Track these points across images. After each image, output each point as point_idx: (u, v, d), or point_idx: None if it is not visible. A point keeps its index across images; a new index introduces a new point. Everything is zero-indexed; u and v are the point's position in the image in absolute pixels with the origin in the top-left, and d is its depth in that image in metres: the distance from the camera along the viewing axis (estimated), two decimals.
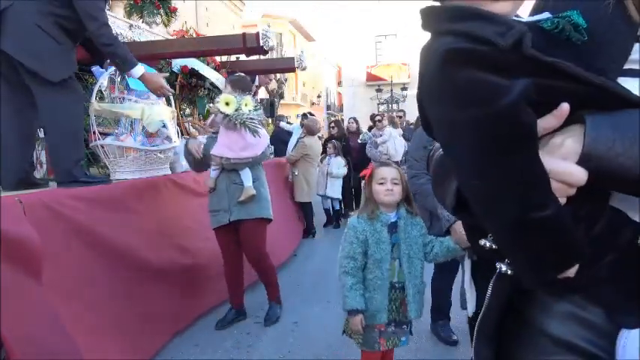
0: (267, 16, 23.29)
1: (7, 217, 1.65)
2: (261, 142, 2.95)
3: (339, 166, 6.18)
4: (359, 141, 6.93)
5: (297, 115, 10.53)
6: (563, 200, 0.59)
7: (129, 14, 4.76)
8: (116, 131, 3.01)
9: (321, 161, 6.25)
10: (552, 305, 0.72)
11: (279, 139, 6.87)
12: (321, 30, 29.09)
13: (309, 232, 5.95)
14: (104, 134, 3.05)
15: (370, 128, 7.49)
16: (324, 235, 6.16)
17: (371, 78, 24.27)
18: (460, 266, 2.10)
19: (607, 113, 0.58)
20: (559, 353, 0.70)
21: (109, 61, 2.91)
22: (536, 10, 0.70)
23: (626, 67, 0.63)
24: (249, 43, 3.73)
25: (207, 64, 4.84)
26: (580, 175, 0.57)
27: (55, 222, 2.10)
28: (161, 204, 3.07)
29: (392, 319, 1.89)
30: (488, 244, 0.71)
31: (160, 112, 3.13)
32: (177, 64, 4.53)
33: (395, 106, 20.74)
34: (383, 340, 1.91)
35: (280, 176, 5.73)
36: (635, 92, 0.60)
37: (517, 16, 0.64)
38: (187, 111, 5.20)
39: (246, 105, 2.77)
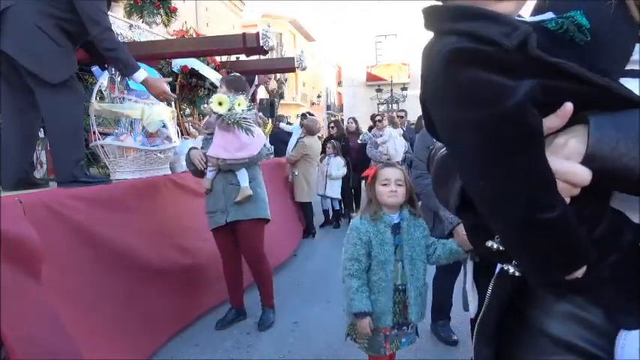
0: (267, 16, 23.30)
1: (7, 217, 1.65)
2: (256, 142, 2.92)
3: (338, 166, 6.17)
4: (359, 141, 6.93)
5: (297, 115, 10.52)
6: (566, 200, 0.59)
7: (129, 14, 4.75)
8: (116, 131, 3.00)
9: (321, 161, 6.25)
10: (552, 305, 0.72)
11: (279, 139, 6.87)
12: (321, 30, 29.14)
13: (309, 232, 5.95)
14: (104, 134, 3.04)
15: (370, 128, 7.48)
16: (324, 235, 6.16)
17: (371, 78, 24.26)
18: (462, 268, 2.10)
19: (610, 114, 0.58)
20: (559, 353, 0.71)
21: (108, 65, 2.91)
22: (538, 10, 0.70)
23: (628, 67, 0.63)
24: (249, 43, 3.72)
25: (207, 64, 4.84)
26: (584, 174, 0.57)
27: (55, 222, 2.10)
28: (161, 204, 3.06)
29: (395, 322, 1.87)
30: (495, 246, 0.70)
31: (160, 112, 3.12)
32: (177, 64, 4.53)
33: (395, 106, 20.74)
34: (388, 344, 1.89)
35: (280, 176, 5.73)
36: (637, 93, 0.60)
37: (519, 16, 0.64)
38: (187, 111, 5.20)
39: (239, 105, 2.75)
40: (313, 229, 6.05)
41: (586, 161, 0.57)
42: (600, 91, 0.58)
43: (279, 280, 3.90)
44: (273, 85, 7.90)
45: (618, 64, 0.63)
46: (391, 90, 22.37)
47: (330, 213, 6.66)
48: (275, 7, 28.84)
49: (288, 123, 8.71)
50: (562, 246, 0.59)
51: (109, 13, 2.79)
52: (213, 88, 4.71)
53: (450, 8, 0.61)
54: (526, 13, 0.68)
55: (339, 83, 32.47)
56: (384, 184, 1.87)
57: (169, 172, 3.42)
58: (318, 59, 29.88)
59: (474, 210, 0.65)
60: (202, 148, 3.05)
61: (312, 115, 7.52)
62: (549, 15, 0.64)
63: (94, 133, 2.92)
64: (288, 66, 5.52)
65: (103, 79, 3.01)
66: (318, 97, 30.72)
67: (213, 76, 4.69)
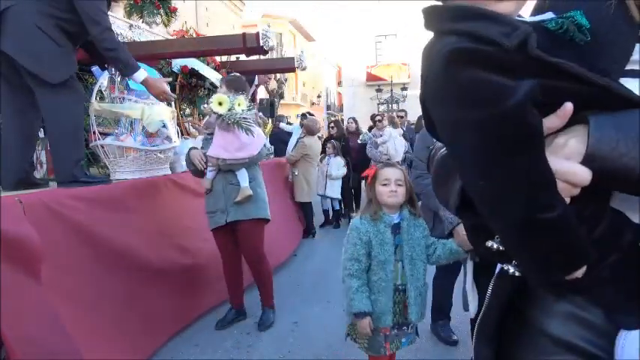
0: (267, 16, 23.30)
1: (7, 217, 1.65)
2: (256, 142, 2.92)
3: (338, 166, 6.17)
4: (358, 141, 6.92)
5: (297, 115, 10.52)
6: (566, 200, 0.59)
7: (129, 14, 4.75)
8: (116, 131, 3.00)
9: (321, 161, 6.25)
10: (552, 305, 0.72)
11: (279, 139, 6.87)
12: (321, 30, 29.14)
13: (309, 232, 5.95)
14: (104, 134, 3.04)
15: (370, 128, 7.48)
16: (324, 235, 6.16)
17: (371, 78, 24.26)
18: (462, 268, 2.10)
19: (610, 114, 0.58)
20: (559, 353, 0.71)
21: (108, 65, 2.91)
22: (538, 10, 0.70)
23: (628, 67, 0.63)
24: (249, 43, 3.72)
25: (207, 64, 4.84)
26: (584, 174, 0.57)
27: (55, 222, 2.10)
28: (161, 204, 3.06)
29: (395, 322, 1.87)
30: (495, 246, 0.70)
31: (160, 112, 3.12)
32: (177, 64, 4.53)
33: (395, 106, 20.74)
34: (388, 344, 1.89)
35: (280, 176, 5.73)
36: (637, 93, 0.60)
37: (519, 16, 0.64)
38: (187, 111, 5.20)
39: (239, 105, 2.75)
40: (313, 229, 6.05)
41: (586, 161, 0.57)
42: (600, 91, 0.58)
43: (279, 280, 3.90)
44: (273, 85, 7.90)
45: (618, 64, 0.63)
46: (391, 90, 22.37)
47: (330, 213, 6.66)
48: (275, 7, 28.86)
49: (288, 123, 8.71)
50: (562, 246, 0.59)
51: (109, 13, 2.79)
52: (213, 88, 4.71)
53: (450, 8, 0.61)
54: (526, 13, 0.68)
55: (339, 83, 32.47)
56: (384, 184, 1.87)
57: (169, 172, 3.42)
58: (318, 59, 29.89)
59: (474, 210, 0.65)
60: (202, 148, 3.05)
61: (312, 115, 7.52)
62: (549, 15, 0.64)
63: (94, 133, 2.92)
64: (288, 66, 5.52)
65: (103, 79, 3.01)
66: (318, 97, 30.72)
67: (213, 76, 4.69)
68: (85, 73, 3.53)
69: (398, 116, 7.97)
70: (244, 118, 2.74)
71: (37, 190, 2.44)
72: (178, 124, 3.89)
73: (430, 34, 0.64)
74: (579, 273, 0.61)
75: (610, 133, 0.57)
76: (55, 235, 2.06)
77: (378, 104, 22.92)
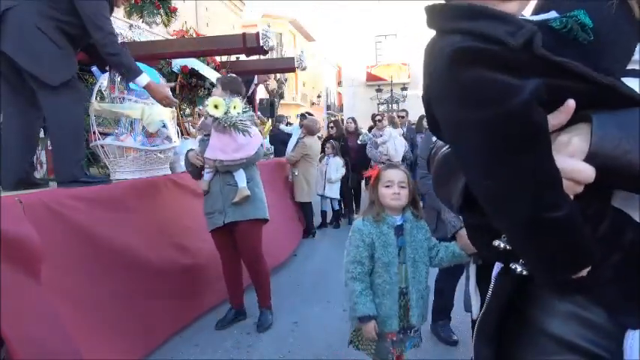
0: (267, 16, 23.28)
1: (7, 217, 1.65)
2: (253, 142, 2.91)
3: (337, 166, 6.17)
4: (358, 141, 6.92)
5: (297, 115, 10.52)
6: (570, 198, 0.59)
7: (129, 14, 4.76)
8: (116, 131, 3.00)
9: (320, 161, 6.25)
10: (554, 305, 0.72)
11: (279, 140, 6.87)
12: (321, 30, 29.11)
13: (309, 232, 5.94)
14: (104, 134, 3.04)
15: (370, 128, 7.48)
16: (324, 236, 6.16)
17: (371, 78, 24.26)
18: (465, 270, 2.09)
19: (613, 112, 0.58)
20: (560, 353, 0.70)
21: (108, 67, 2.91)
22: (539, 10, 0.70)
23: (629, 67, 0.63)
24: (249, 43, 3.73)
25: (207, 64, 4.84)
26: (588, 172, 0.57)
27: (55, 222, 2.10)
28: (161, 204, 3.06)
29: (401, 327, 1.83)
30: (502, 245, 0.70)
31: (160, 112, 3.12)
32: (177, 64, 4.53)
33: (395, 106, 20.74)
34: (394, 349, 1.87)
35: (280, 176, 5.73)
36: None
37: (521, 15, 0.64)
38: (187, 111, 5.20)
39: (234, 108, 2.74)
40: (313, 229, 6.05)
41: (589, 159, 0.57)
42: (605, 90, 0.58)
43: (278, 280, 3.90)
44: (273, 85, 7.91)
45: (620, 64, 0.63)
46: (391, 90, 22.38)
47: (330, 213, 6.66)
48: (275, 7, 28.81)
49: (288, 123, 8.70)
50: (568, 245, 0.59)
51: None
52: (213, 88, 4.71)
53: (453, 7, 0.61)
54: (526, 13, 0.68)
55: (339, 83, 32.46)
56: (387, 186, 1.84)
57: (169, 172, 3.42)
58: (318, 59, 29.88)
59: (477, 209, 0.65)
60: (198, 147, 3.05)
61: (312, 115, 7.52)
62: (553, 14, 0.64)
63: (94, 133, 2.92)
64: (288, 66, 5.53)
65: (103, 79, 3.02)
66: (318, 97, 30.72)
67: (213, 76, 4.68)
68: (85, 73, 3.53)
69: (399, 116, 7.95)
70: (240, 120, 2.74)
71: (37, 190, 2.43)
72: (178, 124, 3.88)
73: (431, 33, 0.64)
74: (584, 272, 0.61)
75: (612, 131, 0.57)
76: (55, 235, 2.06)
77: (378, 104, 22.92)
